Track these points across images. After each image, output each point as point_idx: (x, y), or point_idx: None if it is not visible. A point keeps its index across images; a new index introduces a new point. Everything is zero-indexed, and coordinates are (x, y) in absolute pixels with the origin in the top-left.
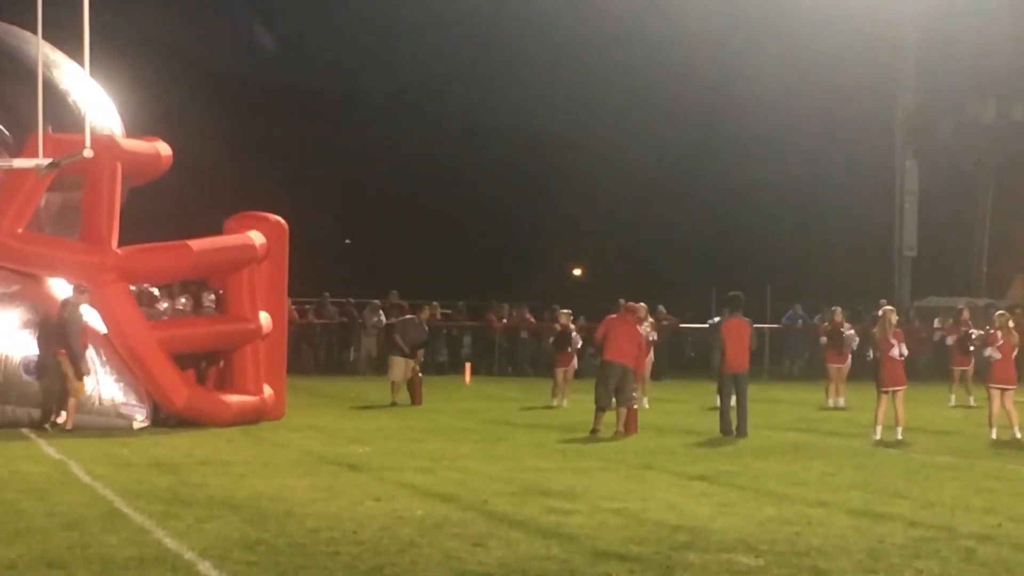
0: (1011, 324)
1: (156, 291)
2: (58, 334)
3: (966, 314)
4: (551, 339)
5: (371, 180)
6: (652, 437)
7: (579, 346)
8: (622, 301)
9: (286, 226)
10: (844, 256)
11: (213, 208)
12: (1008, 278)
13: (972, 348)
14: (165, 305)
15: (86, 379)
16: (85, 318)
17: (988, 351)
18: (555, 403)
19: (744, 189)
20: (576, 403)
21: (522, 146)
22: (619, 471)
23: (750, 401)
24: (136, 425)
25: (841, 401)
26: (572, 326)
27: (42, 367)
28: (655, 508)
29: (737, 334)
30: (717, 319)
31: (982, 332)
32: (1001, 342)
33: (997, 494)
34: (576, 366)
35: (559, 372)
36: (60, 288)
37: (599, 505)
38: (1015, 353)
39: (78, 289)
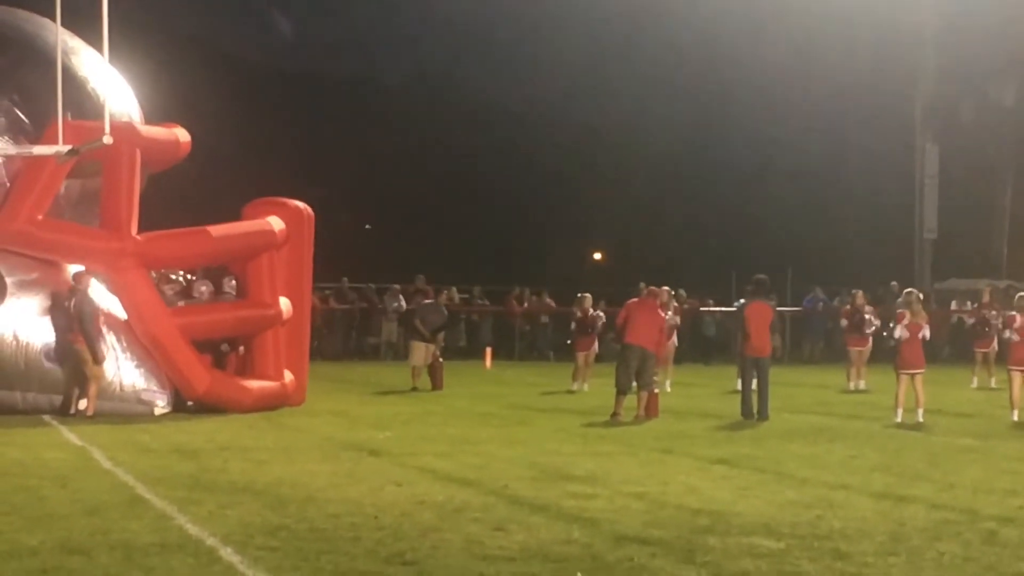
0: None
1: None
2: (72, 320)
3: (987, 296)
4: (572, 323)
5: (391, 165)
6: (672, 421)
7: (602, 323)
8: (643, 285)
9: (309, 212)
10: (864, 239)
11: (232, 194)
12: None
13: (988, 330)
14: (170, 289)
15: (105, 364)
16: (100, 303)
17: (1007, 333)
18: (575, 387)
19: (764, 172)
20: (596, 387)
21: (542, 131)
22: (640, 455)
23: (771, 384)
24: (157, 411)
25: (862, 384)
26: (593, 310)
27: (61, 354)
28: (676, 492)
29: (760, 317)
30: (743, 301)
31: (1002, 314)
32: (1019, 324)
33: (1019, 476)
34: (597, 350)
35: (580, 356)
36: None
37: (620, 489)
38: None
39: (79, 276)
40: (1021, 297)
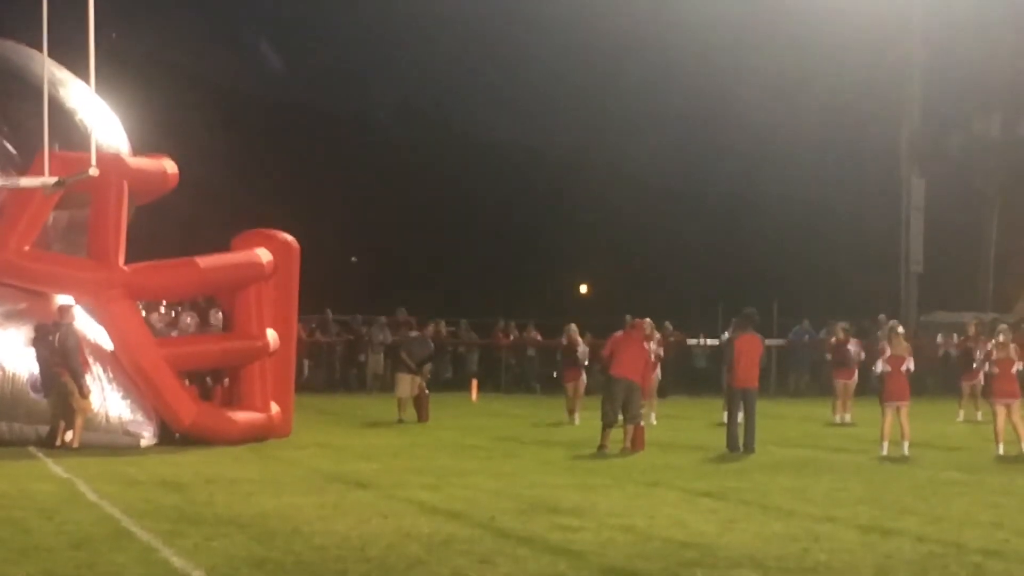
0: (1003, 338)
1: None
2: (57, 354)
3: (972, 329)
4: (559, 353)
5: (377, 197)
6: (659, 453)
7: (586, 362)
8: (628, 318)
9: (296, 244)
10: (851, 272)
11: (219, 226)
12: (1014, 293)
13: (975, 364)
14: (158, 320)
15: (91, 396)
16: (86, 335)
17: (987, 366)
18: (577, 420)
19: (751, 205)
20: (583, 420)
21: (528, 163)
22: (626, 488)
23: (757, 417)
24: (144, 443)
25: (848, 417)
26: (580, 340)
27: (47, 385)
28: (662, 524)
29: (749, 350)
30: (728, 335)
31: (988, 347)
32: (996, 357)
33: (1005, 509)
34: (585, 381)
35: (568, 387)
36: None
37: (606, 522)
38: (1016, 367)
39: (64, 310)
40: (999, 331)
